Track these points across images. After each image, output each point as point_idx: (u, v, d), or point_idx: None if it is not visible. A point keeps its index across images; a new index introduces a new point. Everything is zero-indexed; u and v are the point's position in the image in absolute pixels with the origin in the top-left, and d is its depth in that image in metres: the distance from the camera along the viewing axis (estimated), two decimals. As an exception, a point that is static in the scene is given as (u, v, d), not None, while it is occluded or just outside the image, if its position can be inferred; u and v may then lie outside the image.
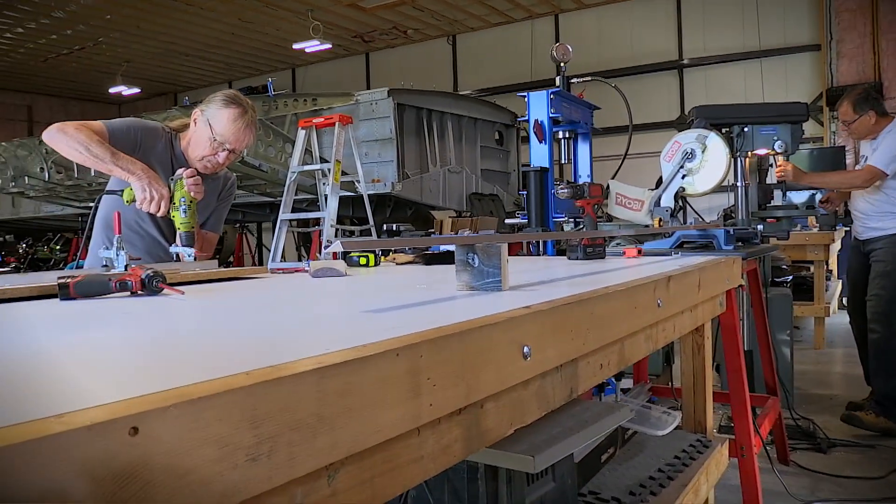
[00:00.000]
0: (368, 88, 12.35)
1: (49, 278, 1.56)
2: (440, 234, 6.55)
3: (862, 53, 10.45)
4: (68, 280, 1.40)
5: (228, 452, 0.54)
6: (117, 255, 1.83)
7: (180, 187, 2.32)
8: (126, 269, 1.76)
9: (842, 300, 6.72)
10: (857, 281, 4.46)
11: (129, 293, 1.45)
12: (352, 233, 6.59)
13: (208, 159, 2.51)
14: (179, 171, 2.36)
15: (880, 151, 4.06)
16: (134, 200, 2.28)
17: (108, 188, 2.51)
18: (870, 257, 4.35)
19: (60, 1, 11.98)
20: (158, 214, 2.33)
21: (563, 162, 3.67)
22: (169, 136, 2.58)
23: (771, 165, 3.79)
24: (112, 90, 16.93)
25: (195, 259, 2.31)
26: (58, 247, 12.05)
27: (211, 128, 2.46)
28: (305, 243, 10.02)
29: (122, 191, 2.32)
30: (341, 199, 5.12)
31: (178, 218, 2.32)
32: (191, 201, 2.33)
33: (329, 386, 0.64)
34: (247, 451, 0.55)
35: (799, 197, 4.80)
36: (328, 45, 14.27)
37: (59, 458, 0.43)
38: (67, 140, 2.26)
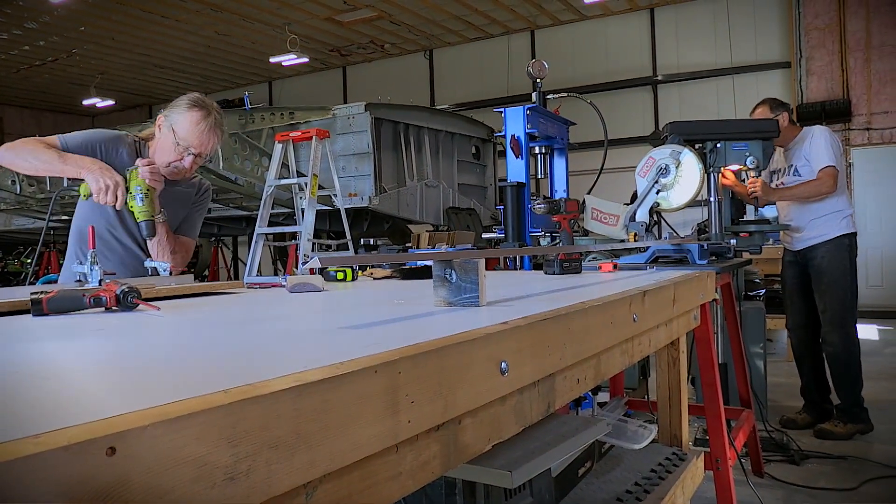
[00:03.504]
0: (345, 102, 12.38)
1: (21, 293, 1.54)
2: (417, 248, 6.55)
3: (830, 71, 10.69)
4: (41, 296, 1.38)
5: (206, 472, 0.53)
6: (91, 269, 1.80)
7: (134, 176, 2.30)
8: (100, 285, 1.75)
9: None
10: (796, 294, 4.49)
11: (103, 309, 1.43)
12: (328, 247, 6.56)
13: (174, 165, 2.47)
14: (137, 162, 2.34)
15: (821, 153, 4.15)
16: (91, 194, 2.25)
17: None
18: (809, 268, 4.35)
19: (34, 12, 11.86)
20: (117, 206, 2.28)
21: (539, 177, 3.69)
22: (136, 144, 2.55)
23: (743, 181, 3.84)
24: (86, 102, 16.76)
25: (171, 273, 2.29)
26: (29, 260, 11.87)
27: (174, 132, 2.42)
28: (282, 257, 9.96)
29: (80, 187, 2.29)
30: (318, 213, 5.11)
31: (136, 207, 2.30)
32: (147, 189, 2.30)
33: (307, 403, 0.64)
34: (225, 470, 0.55)
35: (770, 212, 4.87)
36: (305, 59, 14.27)
37: (36, 479, 0.43)
38: (15, 155, 2.26)
